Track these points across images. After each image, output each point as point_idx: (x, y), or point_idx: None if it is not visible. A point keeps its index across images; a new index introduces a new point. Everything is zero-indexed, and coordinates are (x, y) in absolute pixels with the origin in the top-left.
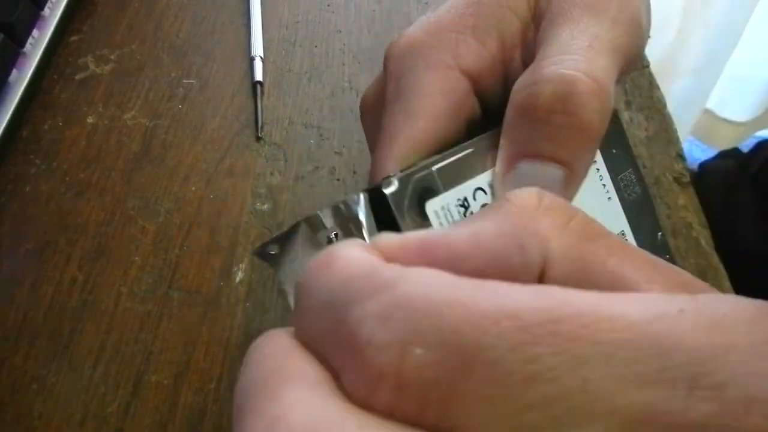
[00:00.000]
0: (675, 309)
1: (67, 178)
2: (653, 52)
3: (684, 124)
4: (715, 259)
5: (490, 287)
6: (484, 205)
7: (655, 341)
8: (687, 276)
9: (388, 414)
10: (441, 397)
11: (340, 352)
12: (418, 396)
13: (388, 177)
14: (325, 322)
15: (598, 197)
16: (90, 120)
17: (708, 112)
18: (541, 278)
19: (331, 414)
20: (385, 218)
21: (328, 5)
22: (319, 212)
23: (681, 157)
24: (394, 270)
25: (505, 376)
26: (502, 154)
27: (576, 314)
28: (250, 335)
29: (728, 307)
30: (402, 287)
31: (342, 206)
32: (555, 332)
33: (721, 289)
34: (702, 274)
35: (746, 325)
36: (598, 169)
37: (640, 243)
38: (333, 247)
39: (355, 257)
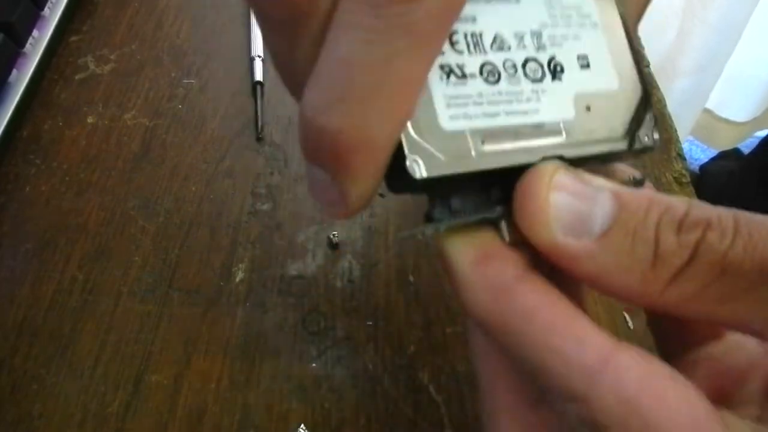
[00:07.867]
0: None
1: (67, 178)
2: (653, 52)
3: (684, 124)
4: None
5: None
6: None
7: None
8: None
9: None
10: None
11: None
12: None
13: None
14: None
15: None
16: (90, 120)
17: (708, 112)
18: None
19: None
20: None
21: None
22: None
23: (681, 157)
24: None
25: None
26: None
27: None
28: (250, 335)
29: None
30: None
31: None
32: None
33: None
34: None
35: None
36: None
37: None
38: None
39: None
